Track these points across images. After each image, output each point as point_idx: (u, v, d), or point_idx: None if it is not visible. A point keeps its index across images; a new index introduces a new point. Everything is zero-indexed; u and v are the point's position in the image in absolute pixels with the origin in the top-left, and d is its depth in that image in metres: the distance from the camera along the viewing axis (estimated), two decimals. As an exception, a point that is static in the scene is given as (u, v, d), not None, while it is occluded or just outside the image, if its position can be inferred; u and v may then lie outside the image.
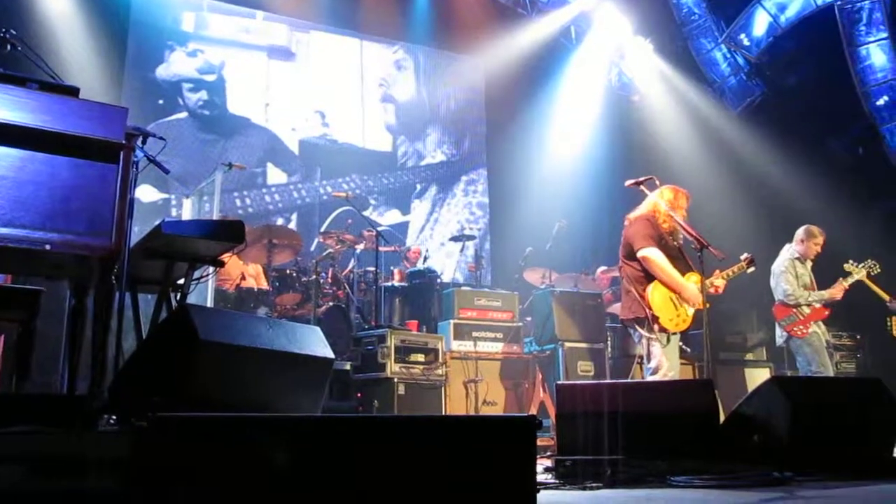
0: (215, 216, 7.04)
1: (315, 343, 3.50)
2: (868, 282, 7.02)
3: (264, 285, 7.44)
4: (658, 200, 5.27)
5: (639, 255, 5.10)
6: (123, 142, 2.89)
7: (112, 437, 2.40)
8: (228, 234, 3.65)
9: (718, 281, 5.24)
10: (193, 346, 2.83)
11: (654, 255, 5.04)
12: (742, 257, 5.31)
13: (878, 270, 7.00)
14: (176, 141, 9.03)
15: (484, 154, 12.15)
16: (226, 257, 3.99)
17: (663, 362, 4.99)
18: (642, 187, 5.24)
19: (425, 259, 9.35)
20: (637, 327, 5.15)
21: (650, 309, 5.02)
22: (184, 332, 2.85)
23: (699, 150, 10.75)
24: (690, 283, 5.11)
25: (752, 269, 5.27)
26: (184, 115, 9.54)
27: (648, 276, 5.11)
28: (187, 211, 7.96)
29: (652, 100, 11.84)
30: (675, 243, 5.27)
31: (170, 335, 3.01)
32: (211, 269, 4.17)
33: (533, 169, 11.25)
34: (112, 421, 2.81)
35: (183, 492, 1.50)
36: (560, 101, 11.85)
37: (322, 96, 10.65)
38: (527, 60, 11.35)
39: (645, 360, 5.10)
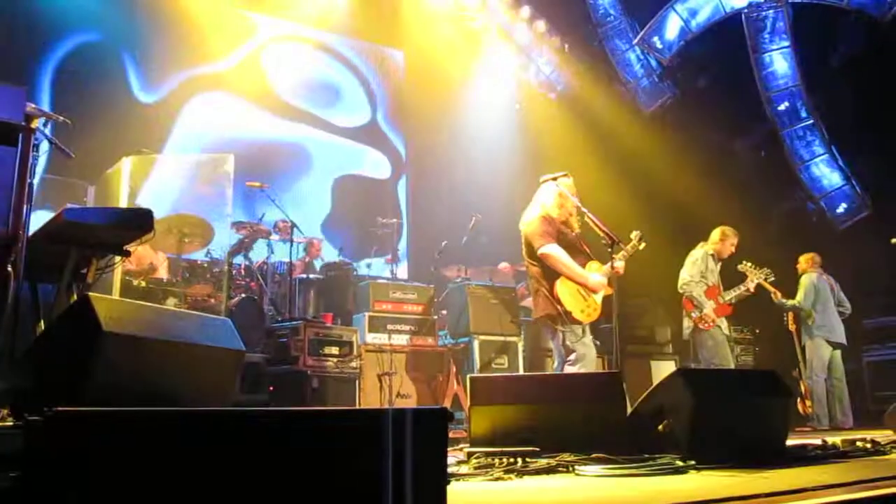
0: (124, 204, 6.81)
1: (225, 335, 3.42)
2: (765, 285, 7.37)
3: (167, 276, 7.22)
4: (545, 199, 5.39)
5: (539, 253, 5.21)
6: (22, 123, 2.75)
7: (4, 433, 2.29)
8: (135, 222, 3.52)
9: (619, 263, 5.38)
10: (96, 338, 2.72)
11: (554, 252, 5.15)
12: (632, 235, 5.45)
13: (773, 279, 7.35)
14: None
15: (402, 147, 12.14)
16: (133, 246, 3.85)
17: (582, 353, 5.11)
18: (556, 183, 5.33)
19: (340, 251, 9.28)
20: (551, 323, 5.25)
21: (560, 304, 5.12)
22: (85, 324, 2.73)
23: (608, 149, 10.99)
24: (592, 273, 5.23)
25: (643, 244, 5.41)
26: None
27: (553, 273, 5.21)
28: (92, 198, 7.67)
29: (566, 98, 12.06)
30: (573, 233, 5.39)
31: (70, 326, 2.88)
32: (117, 258, 4.02)
33: (451, 164, 11.31)
34: (5, 416, 2.67)
35: (80, 491, 1.45)
36: (479, 97, 11.95)
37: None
38: (448, 55, 11.39)
39: (563, 354, 5.20)
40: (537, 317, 5.42)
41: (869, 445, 4.13)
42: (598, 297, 5.26)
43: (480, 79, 12.07)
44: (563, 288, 5.16)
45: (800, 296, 8.14)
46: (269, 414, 1.68)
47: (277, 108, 10.80)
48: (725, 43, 11.48)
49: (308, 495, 1.64)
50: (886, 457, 3.83)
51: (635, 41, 11.65)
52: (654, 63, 11.92)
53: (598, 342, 8.03)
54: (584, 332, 5.21)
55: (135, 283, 6.79)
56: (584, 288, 5.20)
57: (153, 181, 7.25)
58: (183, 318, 3.44)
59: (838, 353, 8.06)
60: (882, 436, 4.39)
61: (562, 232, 5.29)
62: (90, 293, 2.90)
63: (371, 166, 11.82)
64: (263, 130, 10.49)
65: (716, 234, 7.27)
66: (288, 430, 1.69)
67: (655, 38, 11.52)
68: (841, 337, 8.07)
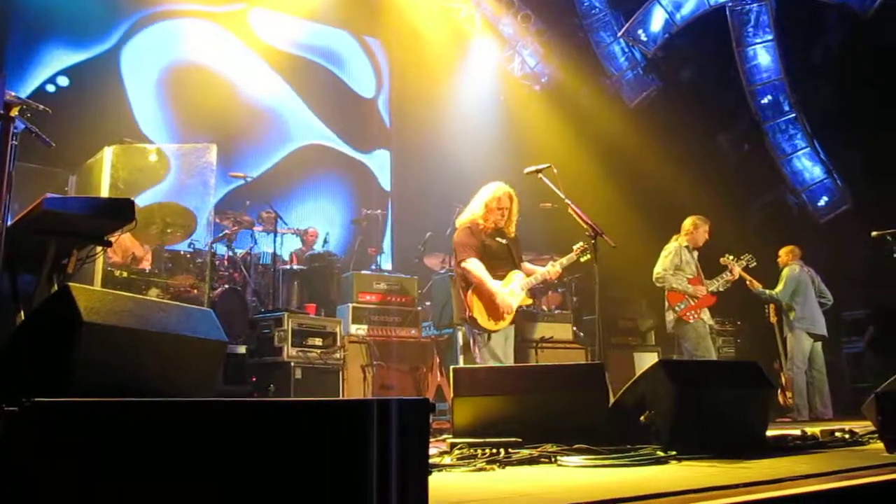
0: (105, 194, 6.74)
1: (207, 326, 3.40)
2: (743, 273, 7.42)
3: (150, 266, 7.17)
4: (475, 206, 5.57)
5: (460, 265, 5.45)
6: (1, 111, 2.72)
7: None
8: (116, 212, 3.49)
9: (554, 267, 5.61)
10: (76, 329, 2.69)
11: (471, 268, 5.37)
12: (575, 247, 5.59)
13: (755, 264, 7.40)
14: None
15: (388, 139, 12.11)
16: (115, 237, 3.82)
17: (485, 358, 5.35)
18: (539, 175, 5.34)
19: (325, 242, 9.25)
20: (467, 325, 5.53)
21: (470, 311, 5.36)
22: (66, 314, 2.71)
23: (592, 141, 11.01)
24: (503, 292, 5.41)
25: (586, 257, 5.53)
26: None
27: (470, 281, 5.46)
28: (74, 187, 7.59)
29: (550, 90, 12.06)
30: (503, 241, 5.57)
31: (50, 317, 2.86)
32: (98, 248, 3.98)
33: (436, 155, 11.28)
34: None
35: (59, 481, 1.44)
36: (464, 88, 11.93)
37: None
38: (432, 46, 11.35)
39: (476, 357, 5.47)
40: (458, 317, 5.59)
41: (847, 436, 4.18)
42: (508, 305, 5.43)
43: (464, 70, 12.04)
44: (474, 297, 5.39)
45: (780, 287, 8.21)
46: (250, 404, 1.68)
47: (260, 96, 10.73)
48: (710, 36, 11.53)
49: (291, 486, 1.64)
50: (864, 447, 3.88)
51: (620, 34, 11.67)
52: (638, 56, 11.95)
53: (581, 334, 8.12)
54: (490, 339, 5.39)
55: (117, 273, 6.73)
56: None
57: (136, 171, 7.19)
58: (165, 308, 3.41)
59: (819, 344, 8.14)
60: (860, 426, 4.44)
61: (485, 243, 5.48)
62: (70, 283, 2.88)
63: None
64: (244, 121, 10.41)
65: (687, 223, 7.31)
66: (269, 421, 1.69)
67: (640, 31, 11.54)
68: (822, 329, 8.14)
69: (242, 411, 1.70)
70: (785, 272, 8.30)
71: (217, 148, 7.46)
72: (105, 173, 6.81)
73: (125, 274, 6.79)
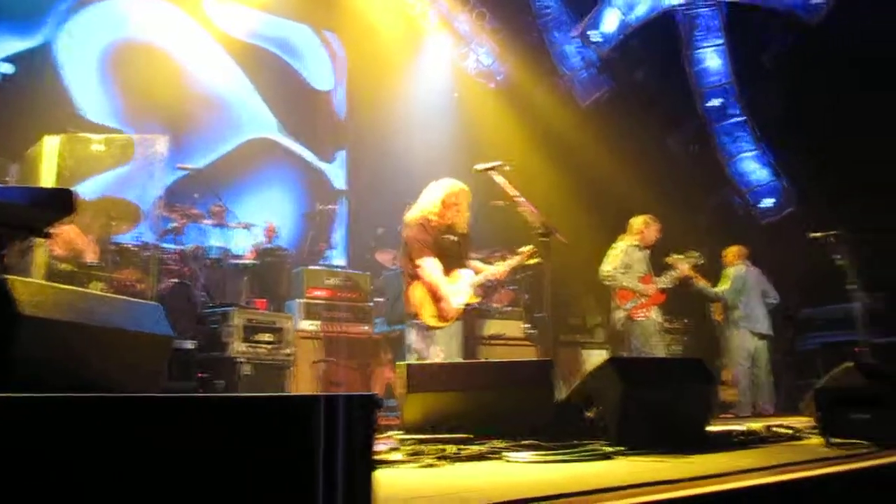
0: (49, 184, 6.56)
1: (153, 320, 3.33)
2: (690, 271, 7.55)
3: (98, 259, 7.00)
4: (426, 202, 5.62)
5: (416, 263, 5.47)
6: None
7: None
8: (56, 203, 3.38)
9: (501, 268, 5.78)
10: (13, 323, 2.61)
11: (426, 267, 5.43)
12: (523, 249, 5.67)
13: (703, 262, 7.55)
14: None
15: (344, 134, 12.01)
16: (55, 228, 3.72)
17: (430, 355, 5.40)
18: (490, 173, 5.35)
19: (276, 237, 9.14)
20: (413, 321, 5.59)
21: (416, 308, 5.43)
22: (2, 308, 2.62)
23: (545, 140, 11.09)
24: (451, 290, 5.47)
25: (535, 260, 5.63)
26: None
27: (416, 276, 5.49)
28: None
29: (505, 89, 12.11)
30: (454, 238, 5.61)
31: (-14, 310, 2.76)
32: (36, 240, 3.87)
33: (390, 151, 11.23)
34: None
35: (-9, 478, 1.39)
36: (419, 85, 11.90)
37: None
38: (388, 42, 11.29)
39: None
40: (405, 310, 5.70)
41: (788, 431, 4.29)
42: (455, 303, 5.47)
43: (419, 66, 12.01)
44: (416, 291, 5.44)
45: (726, 285, 8.37)
46: (194, 400, 1.65)
47: (212, 83, 10.53)
48: (662, 38, 11.71)
49: (235, 483, 1.62)
50: (803, 442, 3.98)
51: (573, 33, 11.77)
52: (592, 56, 12.06)
53: (532, 331, 8.17)
54: (434, 336, 5.46)
55: (60, 266, 6.55)
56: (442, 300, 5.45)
57: (81, 161, 7.00)
58: (108, 302, 3.33)
59: (763, 343, 8.32)
60: (799, 422, 4.56)
61: (437, 241, 5.51)
62: (8, 276, 2.79)
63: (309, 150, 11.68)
64: (194, 107, 10.19)
65: (638, 222, 7.41)
66: (214, 417, 1.66)
67: (593, 31, 11.66)
68: (765, 328, 8.34)
69: (187, 407, 1.67)
70: (730, 271, 8.47)
71: (167, 139, 7.31)
72: (47, 163, 6.63)
73: (69, 267, 6.61)
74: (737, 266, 8.51)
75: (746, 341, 8.25)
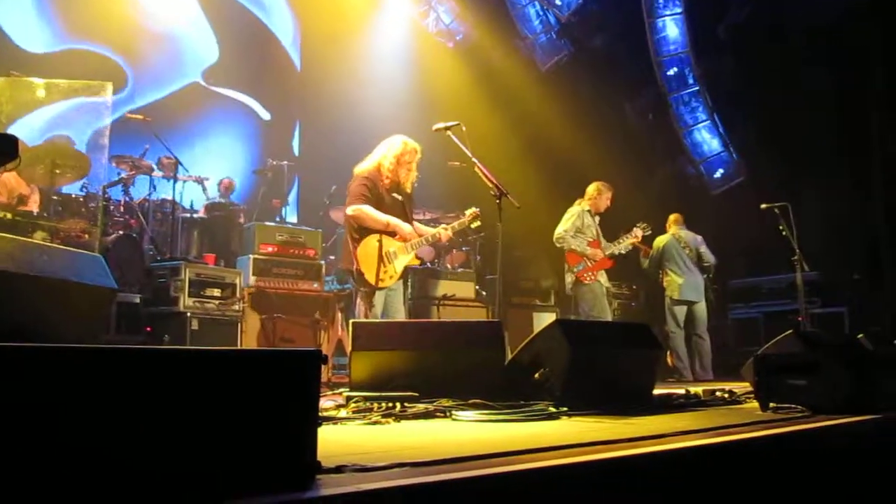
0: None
1: (95, 272, 3.26)
2: (638, 243, 7.66)
3: (39, 209, 6.81)
4: (382, 155, 5.54)
5: (347, 212, 5.41)
6: None
7: None
8: (-3, 147, 3.27)
9: (445, 231, 5.67)
10: (-52, 270, 2.53)
11: (361, 211, 5.33)
12: (467, 212, 5.66)
13: (650, 232, 7.67)
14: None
15: (296, 92, 11.80)
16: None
17: (365, 314, 5.32)
18: (448, 132, 5.30)
19: (232, 193, 9.01)
20: (350, 277, 5.53)
21: (357, 265, 5.31)
22: (-64, 254, 2.54)
23: (502, 102, 11.05)
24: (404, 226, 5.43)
25: (477, 223, 5.64)
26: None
27: (361, 231, 5.40)
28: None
29: (464, 48, 12.01)
30: (399, 197, 5.55)
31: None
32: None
33: (345, 107, 11.07)
34: None
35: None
36: (377, 41, 11.72)
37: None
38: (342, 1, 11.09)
39: (358, 312, 5.46)
40: (342, 267, 5.63)
41: (727, 395, 4.41)
42: (399, 265, 5.45)
43: (378, 23, 11.82)
44: (364, 250, 5.34)
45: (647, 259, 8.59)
46: (136, 352, 1.61)
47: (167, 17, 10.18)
48: (623, 4, 11.69)
49: (178, 438, 1.60)
50: (741, 405, 4.09)
51: (535, -6, 11.70)
52: (552, 19, 12.01)
53: (483, 292, 8.23)
54: (374, 294, 5.36)
55: (0, 215, 6.35)
56: (388, 252, 5.36)
57: (21, 106, 6.75)
58: (49, 252, 3.25)
59: (700, 308, 8.43)
60: (739, 387, 4.69)
61: (383, 197, 5.43)
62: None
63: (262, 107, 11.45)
64: (145, 37, 9.83)
65: (592, 189, 7.48)
66: (158, 370, 1.63)
67: (555, -6, 11.60)
68: (688, 295, 8.41)
69: (128, 359, 1.64)
70: (656, 241, 8.58)
71: (111, 85, 7.07)
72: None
73: (9, 216, 6.41)
74: (662, 236, 8.59)
75: (675, 308, 8.41)
